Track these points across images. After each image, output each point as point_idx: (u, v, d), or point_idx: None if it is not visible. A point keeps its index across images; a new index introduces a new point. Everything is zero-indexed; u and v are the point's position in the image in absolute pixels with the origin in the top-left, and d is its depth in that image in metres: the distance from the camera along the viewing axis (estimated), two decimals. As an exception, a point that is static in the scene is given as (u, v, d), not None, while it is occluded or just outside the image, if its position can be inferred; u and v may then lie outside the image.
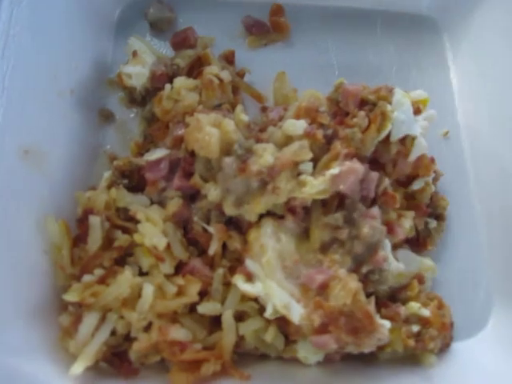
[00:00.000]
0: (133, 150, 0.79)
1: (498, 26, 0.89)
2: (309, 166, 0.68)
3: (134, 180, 0.74)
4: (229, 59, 0.87)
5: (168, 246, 0.68)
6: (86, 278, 0.67)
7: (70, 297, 0.65)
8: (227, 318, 0.66)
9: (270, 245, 0.66)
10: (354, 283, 0.64)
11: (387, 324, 0.64)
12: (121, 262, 0.70)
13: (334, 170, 0.66)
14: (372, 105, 0.72)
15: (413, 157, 0.74)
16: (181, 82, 0.76)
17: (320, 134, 0.68)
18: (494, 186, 0.83)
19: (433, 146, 0.79)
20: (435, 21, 0.98)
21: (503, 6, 0.88)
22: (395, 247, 0.74)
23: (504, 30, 0.88)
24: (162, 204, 0.73)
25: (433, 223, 0.79)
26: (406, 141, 0.73)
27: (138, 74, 0.78)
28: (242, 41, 0.93)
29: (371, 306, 0.64)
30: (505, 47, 0.87)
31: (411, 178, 0.78)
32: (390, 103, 0.72)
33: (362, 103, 0.73)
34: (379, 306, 0.70)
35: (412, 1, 0.97)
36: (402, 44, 0.96)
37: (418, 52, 0.96)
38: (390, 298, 0.73)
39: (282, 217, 0.69)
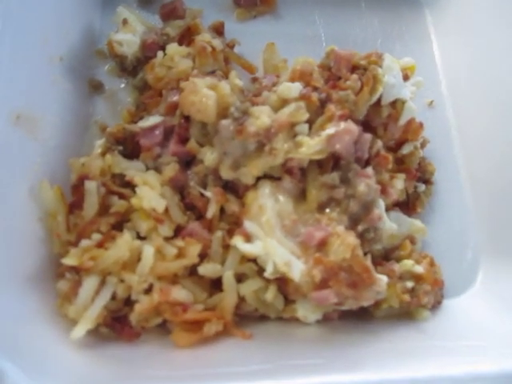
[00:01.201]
0: (125, 118, 0.78)
1: (476, 2, 0.92)
2: (305, 128, 0.69)
3: (128, 147, 0.74)
4: (218, 30, 0.87)
5: (166, 210, 0.68)
6: (84, 242, 0.66)
7: (69, 261, 0.64)
8: (228, 279, 0.66)
9: (269, 205, 0.67)
10: (352, 239, 0.65)
11: (384, 278, 0.65)
12: (118, 228, 0.69)
13: (330, 130, 0.67)
14: (363, 69, 0.74)
15: (403, 120, 0.76)
16: (173, 48, 0.76)
17: (315, 96, 0.70)
18: (478, 152, 0.86)
19: (419, 115, 0.81)
20: (417, -4, 1.01)
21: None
22: (387, 209, 0.75)
23: (482, 4, 0.91)
24: (157, 170, 0.72)
25: (422, 187, 0.82)
26: (397, 104, 0.75)
27: (128, 41, 0.77)
28: (230, 13, 0.93)
29: (368, 261, 0.66)
30: (485, 20, 0.90)
31: (400, 144, 0.80)
32: (381, 68, 0.74)
33: (354, 68, 0.75)
34: (374, 264, 0.71)
35: (395, -24, 1.00)
36: (385, 18, 0.98)
37: (402, 26, 0.99)
38: (383, 258, 0.75)
39: (278, 179, 0.70)
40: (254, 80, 0.87)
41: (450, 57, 0.96)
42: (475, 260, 0.82)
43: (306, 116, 0.68)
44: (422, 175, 0.83)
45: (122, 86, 0.84)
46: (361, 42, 0.95)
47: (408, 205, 0.81)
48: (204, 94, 0.67)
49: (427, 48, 0.98)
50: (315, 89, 0.71)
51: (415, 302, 0.71)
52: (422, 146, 0.83)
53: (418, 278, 0.72)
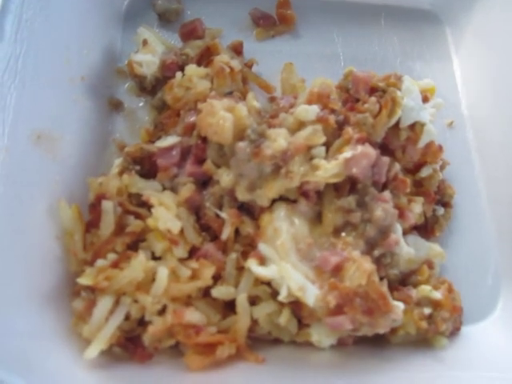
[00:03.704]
0: (143, 137, 0.79)
1: (498, 19, 0.92)
2: (322, 151, 0.68)
3: (145, 166, 0.74)
4: (237, 50, 0.88)
5: (181, 231, 0.68)
6: (100, 262, 0.66)
7: (84, 280, 0.65)
8: (242, 302, 0.66)
9: (284, 228, 0.67)
10: (368, 264, 0.64)
11: (401, 305, 0.64)
12: (133, 247, 0.70)
13: (347, 153, 0.67)
14: (382, 91, 0.73)
15: (422, 143, 0.75)
16: (192, 69, 0.76)
17: (332, 118, 0.69)
18: (499, 174, 0.84)
19: (438, 136, 0.80)
20: (438, 15, 1.00)
21: (504, 2, 0.90)
22: (405, 233, 0.74)
23: (504, 23, 0.90)
24: (173, 190, 0.73)
25: (440, 210, 0.80)
26: (416, 127, 0.74)
27: (148, 62, 0.78)
28: (249, 33, 0.94)
29: (384, 287, 0.65)
30: (506, 39, 0.89)
31: (419, 166, 0.79)
32: (400, 90, 0.73)
33: (372, 90, 0.74)
34: (391, 289, 0.70)
35: (415, -5, 0.99)
36: (405, 37, 0.98)
37: (422, 45, 0.98)
38: (400, 283, 0.73)
39: (294, 201, 0.70)
40: (272, 100, 0.87)
41: (471, 76, 0.95)
42: (495, 286, 0.80)
43: (323, 139, 0.67)
44: (441, 198, 0.81)
45: (141, 104, 0.85)
46: (380, 61, 0.95)
47: (426, 228, 0.79)
48: (221, 116, 0.67)
49: (447, 67, 0.97)
50: (332, 111, 0.71)
51: (433, 329, 0.69)
52: (442, 168, 0.82)
53: (435, 305, 0.70)
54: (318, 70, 0.91)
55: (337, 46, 0.95)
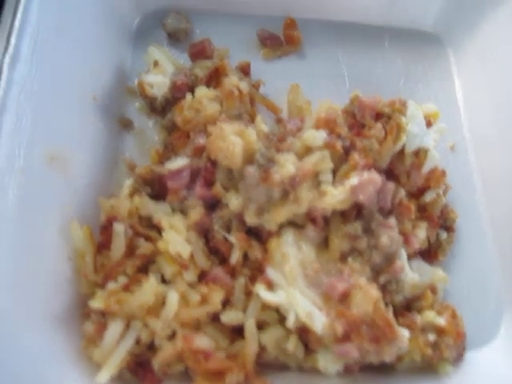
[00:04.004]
0: (153, 158, 0.80)
1: (499, 42, 0.93)
2: (329, 176, 0.69)
3: (155, 188, 0.75)
4: (245, 70, 0.89)
5: (191, 255, 0.69)
6: (111, 285, 0.67)
7: (96, 304, 0.65)
8: (250, 328, 0.67)
9: (292, 253, 0.68)
10: (374, 292, 0.65)
11: (406, 333, 0.66)
12: (143, 269, 0.71)
13: (354, 180, 0.68)
14: (387, 117, 0.74)
15: (426, 168, 0.77)
16: (202, 92, 0.77)
17: (339, 144, 0.70)
18: (501, 197, 0.86)
19: (441, 159, 0.81)
20: (440, 37, 1.02)
21: (505, 24, 0.92)
22: (409, 258, 0.75)
23: (505, 46, 0.91)
24: (183, 212, 0.74)
25: (443, 235, 0.82)
26: (420, 153, 0.76)
27: (159, 83, 0.79)
28: (256, 52, 0.95)
29: (390, 315, 0.66)
30: (508, 61, 0.90)
31: (423, 190, 0.80)
32: (405, 116, 0.74)
33: (378, 116, 0.75)
34: (396, 315, 0.71)
35: (418, 18, 1.01)
36: (408, 58, 0.99)
37: (425, 66, 0.99)
38: (404, 309, 0.75)
39: (301, 226, 0.71)
40: (279, 121, 0.88)
41: (473, 98, 0.96)
42: (498, 310, 0.81)
43: (331, 166, 0.69)
44: (444, 222, 0.83)
45: (151, 123, 0.86)
46: (384, 82, 0.96)
47: (430, 252, 0.80)
48: (231, 142, 0.68)
49: (449, 88, 0.98)
50: (339, 136, 0.72)
51: (437, 356, 0.70)
52: (444, 192, 0.83)
53: (440, 331, 0.71)
54: (323, 90, 0.92)
55: (342, 66, 0.96)
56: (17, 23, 0.67)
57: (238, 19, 0.96)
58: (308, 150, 0.72)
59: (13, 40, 0.66)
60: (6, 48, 0.65)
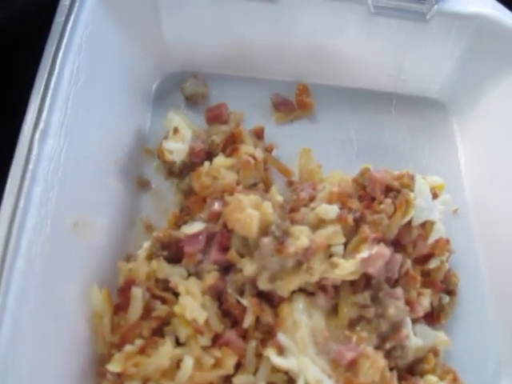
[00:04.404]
0: (170, 220, 0.83)
1: (501, 113, 0.98)
2: (340, 249, 0.73)
3: (172, 251, 0.78)
4: (259, 135, 0.93)
5: (206, 320, 0.72)
6: (128, 348, 0.70)
7: (114, 367, 0.68)
8: (260, 391, 0.70)
9: (304, 321, 0.71)
10: (381, 361, 0.68)
11: (411, 399, 0.69)
12: (157, 330, 0.74)
13: (364, 253, 0.72)
14: (396, 191, 0.79)
15: (431, 240, 0.80)
16: (220, 161, 0.81)
17: (351, 218, 0.74)
18: (502, 261, 0.89)
19: (443, 223, 0.86)
20: (445, 104, 1.07)
21: (507, 97, 0.97)
22: (412, 322, 0.79)
23: (507, 117, 0.96)
24: (198, 275, 0.77)
25: (446, 298, 0.85)
26: (426, 225, 0.80)
27: (178, 150, 0.83)
28: (269, 116, 1.00)
29: (395, 382, 0.69)
30: (508, 132, 0.95)
31: (427, 257, 0.84)
32: (412, 190, 0.79)
33: (387, 189, 0.79)
34: (399, 378, 0.74)
35: (424, 85, 1.05)
36: (414, 125, 1.04)
37: (430, 132, 1.04)
38: (407, 371, 0.78)
39: (311, 293, 0.74)
40: (290, 184, 0.92)
41: (475, 164, 1.01)
42: (497, 373, 0.83)
43: (343, 240, 0.72)
44: (447, 286, 0.86)
45: (167, 184, 0.90)
46: (391, 148, 1.01)
47: (432, 316, 0.84)
48: (248, 215, 0.72)
49: (453, 154, 1.03)
50: (350, 210, 0.76)
51: (439, 420, 0.73)
52: (448, 257, 0.87)
53: (442, 396, 0.75)
54: (332, 155, 0.97)
55: (351, 131, 1.01)
56: (48, 99, 0.70)
57: (253, 83, 1.01)
58: (321, 222, 0.75)
59: (44, 115, 0.69)
60: (36, 123, 0.68)
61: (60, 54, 0.75)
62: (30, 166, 0.66)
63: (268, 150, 0.93)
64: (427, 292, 0.80)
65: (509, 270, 0.88)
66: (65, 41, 0.76)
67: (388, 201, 0.76)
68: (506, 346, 0.85)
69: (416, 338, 0.77)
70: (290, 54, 1.00)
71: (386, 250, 0.72)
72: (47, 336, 0.66)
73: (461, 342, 0.85)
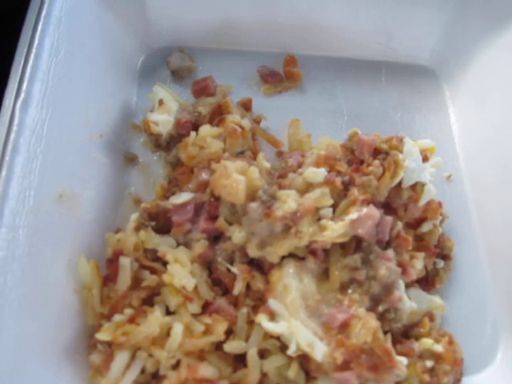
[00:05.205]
0: (158, 192, 0.83)
1: (493, 76, 0.97)
2: (329, 211, 0.72)
3: (160, 222, 0.78)
4: (246, 106, 0.92)
5: (195, 288, 0.71)
6: (117, 317, 0.69)
7: (103, 336, 0.67)
8: (252, 356, 0.69)
9: (294, 285, 0.70)
10: (373, 322, 0.68)
11: (404, 360, 0.68)
12: (148, 300, 0.73)
13: (353, 215, 0.71)
14: (385, 153, 0.78)
15: (422, 202, 0.79)
16: (206, 130, 0.80)
17: (339, 181, 0.73)
18: (496, 226, 0.88)
19: (437, 189, 0.84)
20: (435, 71, 1.06)
21: (498, 59, 0.96)
22: (407, 286, 0.78)
23: (498, 79, 0.95)
24: (187, 245, 0.76)
25: (440, 263, 0.84)
26: (417, 187, 0.78)
27: (164, 121, 0.82)
28: (257, 88, 0.99)
29: (389, 344, 0.68)
30: (499, 94, 0.94)
31: (420, 221, 0.83)
32: (401, 152, 0.78)
33: (375, 152, 0.78)
34: (394, 342, 0.73)
35: (413, 52, 1.05)
36: (405, 92, 1.03)
37: (420, 100, 1.03)
38: (402, 335, 0.77)
39: (302, 258, 0.74)
40: (279, 154, 0.91)
41: (467, 130, 1.00)
42: (495, 336, 0.83)
43: (331, 202, 0.72)
44: (441, 251, 0.85)
45: (155, 158, 0.89)
46: (381, 116, 1.00)
47: (427, 281, 0.83)
48: (235, 179, 0.71)
49: (445, 121, 1.02)
50: (339, 173, 0.75)
51: (435, 382, 0.72)
52: (441, 222, 0.86)
53: (437, 357, 0.73)
54: (322, 125, 0.96)
55: (340, 100, 1.00)
56: (28, 69, 0.70)
57: (240, 56, 1.00)
58: (309, 186, 0.75)
59: (24, 86, 0.69)
60: (17, 93, 0.68)
61: (39, 27, 0.74)
62: (12, 136, 0.66)
63: (256, 121, 0.92)
64: (420, 255, 0.79)
65: (503, 235, 0.87)
66: (43, 13, 0.75)
67: (376, 162, 0.75)
68: (503, 309, 0.84)
69: (410, 301, 0.76)
70: (275, 25, 0.99)
71: (375, 211, 0.71)
72: (34, 306, 0.66)
73: (457, 307, 0.84)
